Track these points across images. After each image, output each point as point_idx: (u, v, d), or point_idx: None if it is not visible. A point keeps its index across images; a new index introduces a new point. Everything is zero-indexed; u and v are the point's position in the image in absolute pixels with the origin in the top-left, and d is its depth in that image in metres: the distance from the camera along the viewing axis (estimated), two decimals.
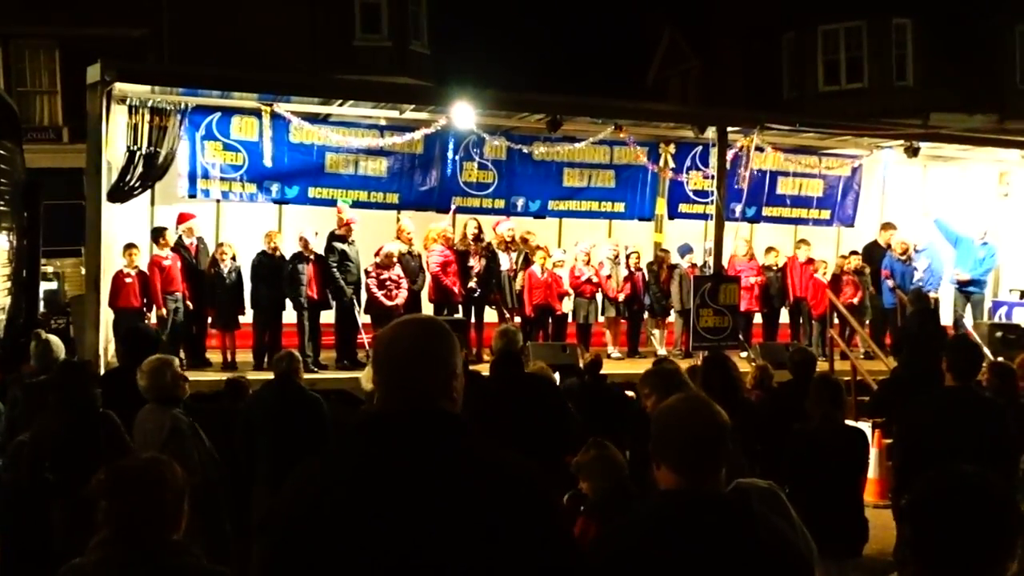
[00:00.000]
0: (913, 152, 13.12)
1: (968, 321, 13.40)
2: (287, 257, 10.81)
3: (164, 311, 10.33)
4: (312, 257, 10.76)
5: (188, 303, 10.65)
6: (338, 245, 10.87)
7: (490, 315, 12.16)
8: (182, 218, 11.07)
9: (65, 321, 13.74)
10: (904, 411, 5.68)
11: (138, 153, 10.16)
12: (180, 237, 10.89)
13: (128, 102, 10.19)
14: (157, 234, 10.77)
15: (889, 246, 13.72)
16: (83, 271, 12.58)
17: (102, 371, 8.40)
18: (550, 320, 12.04)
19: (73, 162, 14.85)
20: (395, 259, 11.12)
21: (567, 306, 12.28)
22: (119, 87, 9.92)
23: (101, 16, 19.85)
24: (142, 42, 20.55)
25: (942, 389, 5.29)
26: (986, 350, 12.20)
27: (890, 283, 13.37)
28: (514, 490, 2.07)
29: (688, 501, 2.39)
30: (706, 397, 2.66)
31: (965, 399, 5.17)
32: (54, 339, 7.36)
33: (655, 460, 2.50)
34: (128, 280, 10.34)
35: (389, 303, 10.86)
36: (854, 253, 13.58)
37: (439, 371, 2.19)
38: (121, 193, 10.15)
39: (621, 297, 12.49)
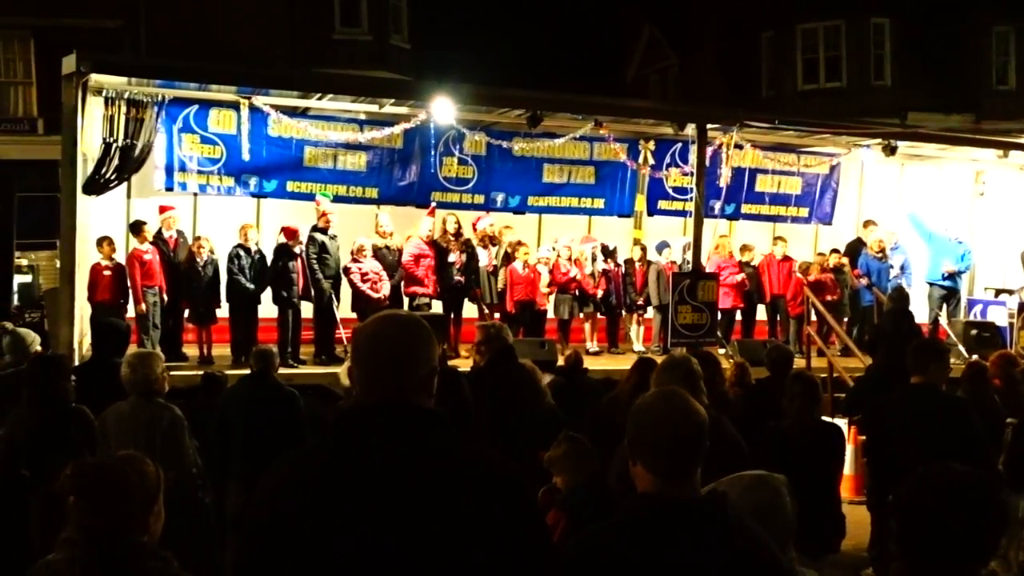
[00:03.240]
0: (890, 151, 13.20)
1: (943, 319, 13.52)
2: (263, 252, 10.73)
3: (143, 306, 10.20)
4: (299, 252, 10.68)
5: (164, 297, 10.54)
6: (318, 236, 10.82)
7: (468, 310, 12.14)
8: (162, 211, 10.99)
9: (40, 314, 13.61)
10: (870, 408, 5.72)
11: (114, 145, 10.02)
12: (160, 230, 10.80)
13: (104, 93, 10.05)
14: (137, 227, 10.66)
15: (865, 244, 13.80)
16: (58, 264, 12.44)
17: (76, 365, 8.31)
18: (530, 316, 12.01)
19: (48, 154, 14.64)
20: (367, 252, 11.07)
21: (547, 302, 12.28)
22: (95, 78, 9.79)
23: (77, 6, 19.60)
24: (118, 33, 20.29)
25: (906, 387, 5.36)
26: (961, 348, 12.36)
27: (864, 281, 13.45)
28: (492, 487, 2.07)
29: (662, 507, 2.36)
30: (685, 393, 2.62)
31: (928, 396, 5.24)
32: (24, 331, 7.27)
33: (631, 457, 2.47)
34: (107, 273, 10.23)
35: (375, 295, 10.83)
36: (835, 251, 13.64)
37: (418, 368, 2.18)
38: (97, 186, 10.04)
39: (599, 293, 12.52)
